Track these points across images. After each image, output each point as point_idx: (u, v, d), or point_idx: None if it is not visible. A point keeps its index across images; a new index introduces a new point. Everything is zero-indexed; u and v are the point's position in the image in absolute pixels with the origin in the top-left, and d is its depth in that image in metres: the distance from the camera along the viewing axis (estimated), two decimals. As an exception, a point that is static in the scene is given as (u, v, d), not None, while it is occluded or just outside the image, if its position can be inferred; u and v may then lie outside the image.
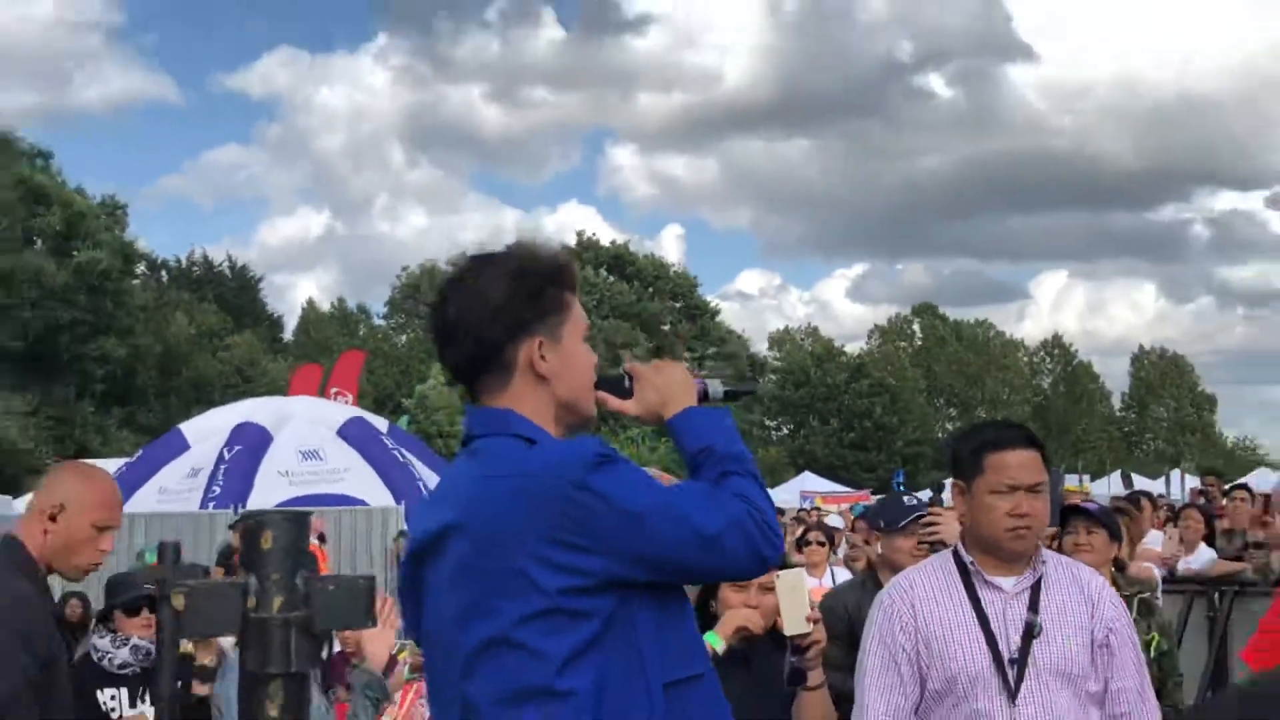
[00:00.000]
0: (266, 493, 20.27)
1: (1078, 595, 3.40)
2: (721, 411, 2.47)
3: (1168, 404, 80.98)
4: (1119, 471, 28.45)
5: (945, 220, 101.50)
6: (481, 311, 2.30)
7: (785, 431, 68.39)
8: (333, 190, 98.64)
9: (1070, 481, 33.43)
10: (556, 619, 2.15)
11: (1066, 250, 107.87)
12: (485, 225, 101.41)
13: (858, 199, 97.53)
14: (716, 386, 2.58)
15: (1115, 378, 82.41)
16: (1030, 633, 3.30)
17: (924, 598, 3.40)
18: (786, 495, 32.56)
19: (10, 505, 21.68)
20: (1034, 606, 3.34)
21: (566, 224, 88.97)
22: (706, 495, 2.23)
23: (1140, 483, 28.58)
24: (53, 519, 3.49)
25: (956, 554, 3.49)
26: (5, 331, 42.33)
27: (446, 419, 48.90)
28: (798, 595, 3.40)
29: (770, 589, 3.47)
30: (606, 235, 69.17)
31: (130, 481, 19.30)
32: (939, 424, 71.97)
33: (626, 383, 2.47)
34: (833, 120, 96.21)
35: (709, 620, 3.66)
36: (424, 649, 2.46)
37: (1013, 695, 3.24)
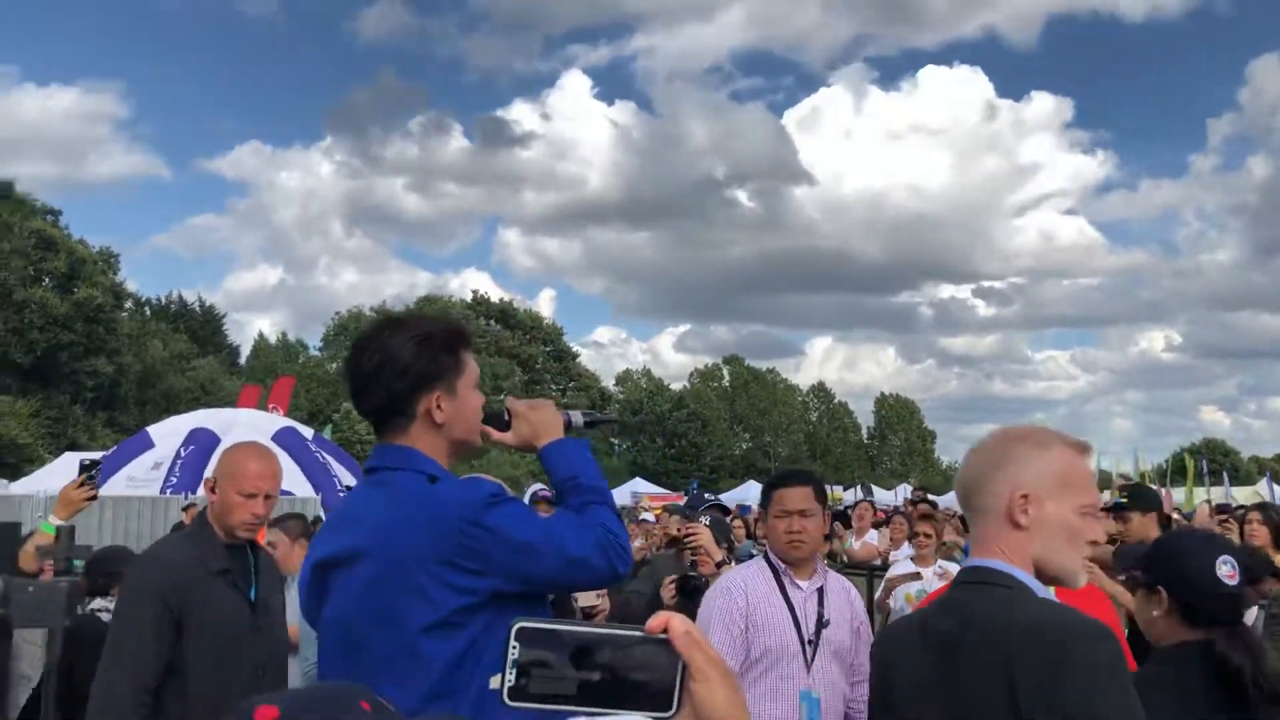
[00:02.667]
0: (213, 483, 19.56)
1: (844, 598, 3.63)
2: (583, 444, 2.33)
3: (901, 435, 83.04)
4: (860, 484, 28.92)
5: (746, 295, 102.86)
6: (391, 370, 2.14)
7: (625, 446, 68.35)
8: (286, 251, 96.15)
9: (829, 490, 34.27)
10: (448, 629, 2.01)
11: (831, 321, 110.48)
12: (403, 283, 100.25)
13: (682, 276, 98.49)
14: (578, 416, 2.42)
15: (863, 414, 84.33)
16: (821, 623, 3.47)
17: (753, 590, 3.50)
18: (622, 496, 32.56)
19: (7, 488, 20.56)
20: (821, 604, 3.53)
21: (466, 285, 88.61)
22: (574, 525, 2.12)
23: (878, 494, 29.15)
24: (212, 490, 3.41)
25: (769, 560, 3.61)
26: (18, 349, 40.44)
27: (366, 430, 47.88)
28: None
29: None
30: (496, 294, 68.65)
31: (105, 470, 18.47)
32: (736, 444, 72.75)
33: (506, 417, 2.31)
34: (665, 219, 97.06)
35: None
36: (321, 635, 2.20)
37: (808, 666, 3.40)
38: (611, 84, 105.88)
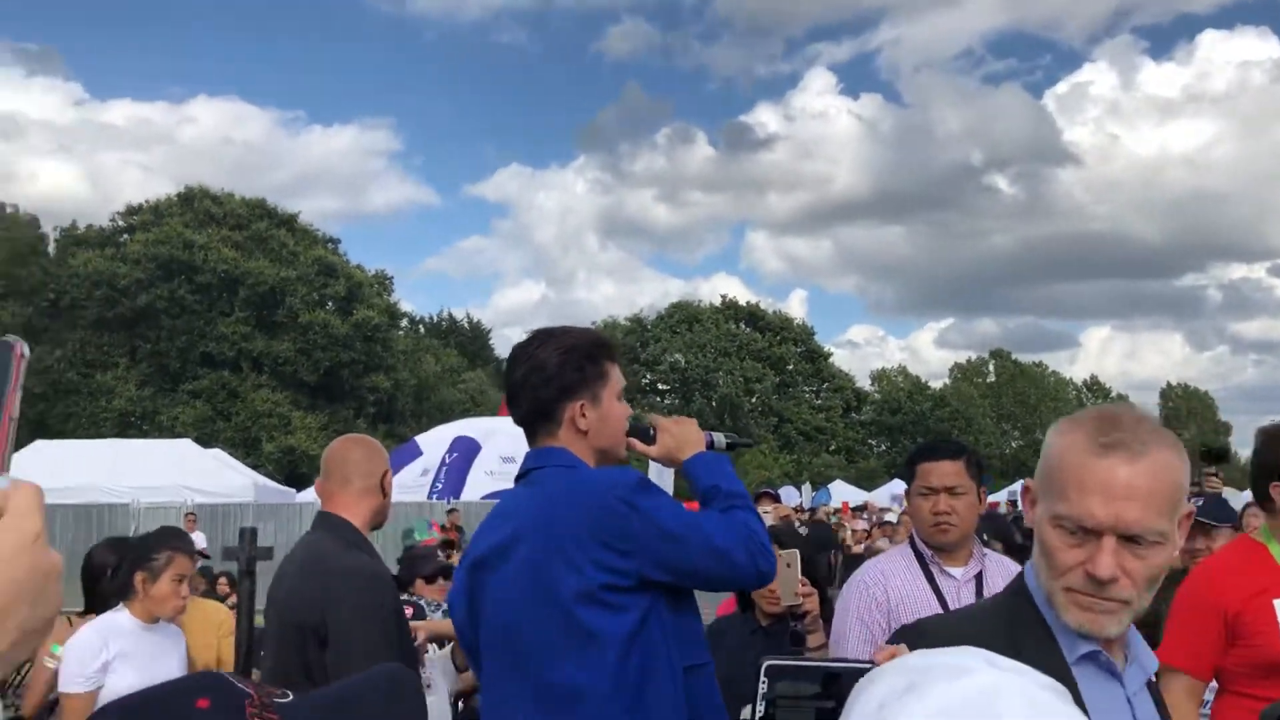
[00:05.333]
0: (476, 488, 20.39)
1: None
2: (723, 457, 2.42)
3: (1192, 429, 76.74)
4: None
5: (1011, 285, 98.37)
6: (538, 378, 2.26)
7: (883, 448, 66.59)
8: (547, 267, 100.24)
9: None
10: (600, 608, 2.07)
11: (1107, 309, 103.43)
12: (656, 292, 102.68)
13: (940, 270, 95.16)
14: (720, 438, 2.51)
15: (1148, 408, 78.56)
16: None
17: (896, 584, 3.03)
18: (880, 498, 31.66)
19: (293, 496, 22.09)
20: (980, 593, 2.99)
21: (716, 290, 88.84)
22: (719, 522, 2.18)
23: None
24: (383, 488, 3.12)
25: (914, 546, 3.12)
26: (305, 368, 43.81)
27: (622, 435, 48.99)
28: (791, 572, 3.08)
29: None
30: (745, 298, 68.45)
31: (376, 478, 19.56)
32: (1005, 443, 69.37)
33: (651, 432, 2.41)
34: (919, 211, 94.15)
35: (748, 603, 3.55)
36: (482, 643, 2.25)
37: None
38: (856, 78, 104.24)
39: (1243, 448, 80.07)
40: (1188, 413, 77.36)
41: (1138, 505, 1.38)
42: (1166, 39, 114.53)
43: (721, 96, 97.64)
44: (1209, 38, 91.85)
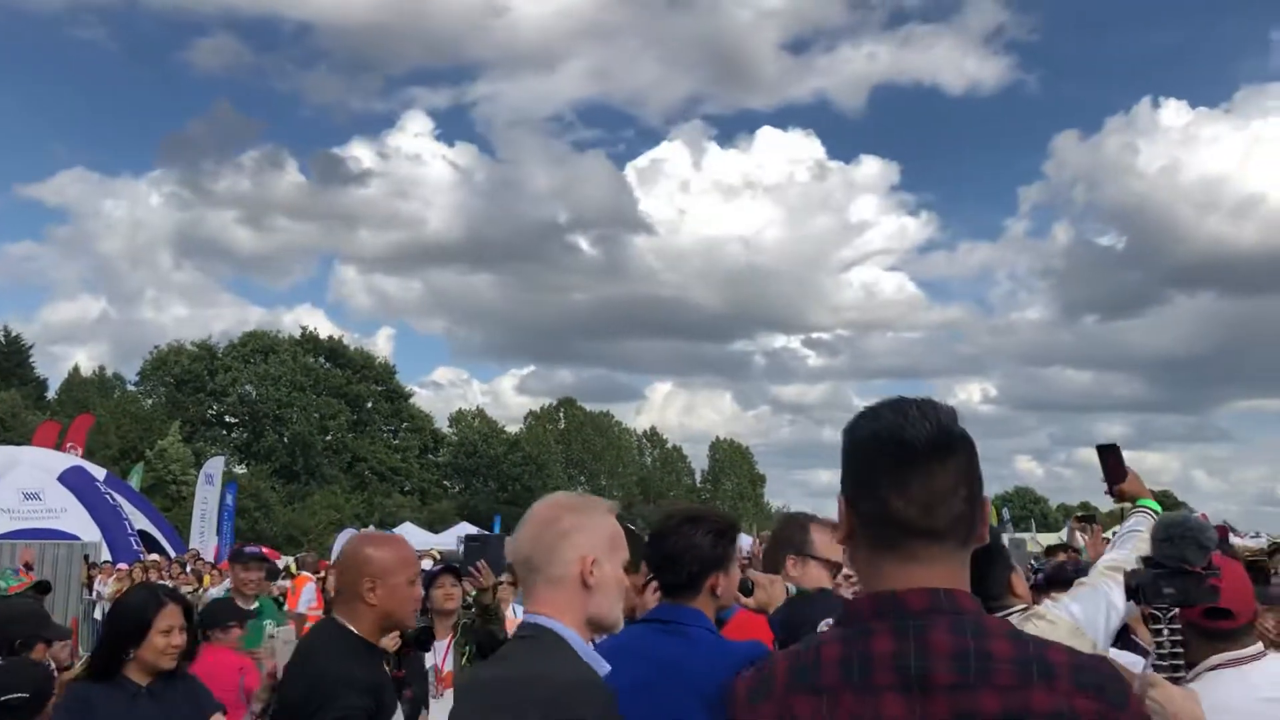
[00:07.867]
0: (-11, 526, 17.87)
1: None
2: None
3: (733, 480, 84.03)
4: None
5: (588, 338, 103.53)
6: (692, 555, 2.69)
7: (457, 489, 66.85)
8: (110, 282, 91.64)
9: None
10: None
11: (670, 367, 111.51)
12: (234, 318, 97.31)
13: (525, 319, 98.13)
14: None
15: (699, 459, 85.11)
16: None
17: None
18: (448, 540, 31.52)
19: None
20: None
21: (300, 321, 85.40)
22: None
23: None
24: (371, 591, 3.15)
25: None
26: None
27: (180, 469, 45.34)
28: (288, 649, 3.09)
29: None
30: (328, 331, 66.19)
31: None
32: (572, 488, 72.12)
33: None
34: (507, 262, 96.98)
35: None
36: None
37: None
38: (452, 126, 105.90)
39: (774, 498, 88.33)
40: (730, 464, 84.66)
41: None
42: (731, 129, 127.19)
43: (315, 125, 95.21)
44: (766, 133, 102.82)
